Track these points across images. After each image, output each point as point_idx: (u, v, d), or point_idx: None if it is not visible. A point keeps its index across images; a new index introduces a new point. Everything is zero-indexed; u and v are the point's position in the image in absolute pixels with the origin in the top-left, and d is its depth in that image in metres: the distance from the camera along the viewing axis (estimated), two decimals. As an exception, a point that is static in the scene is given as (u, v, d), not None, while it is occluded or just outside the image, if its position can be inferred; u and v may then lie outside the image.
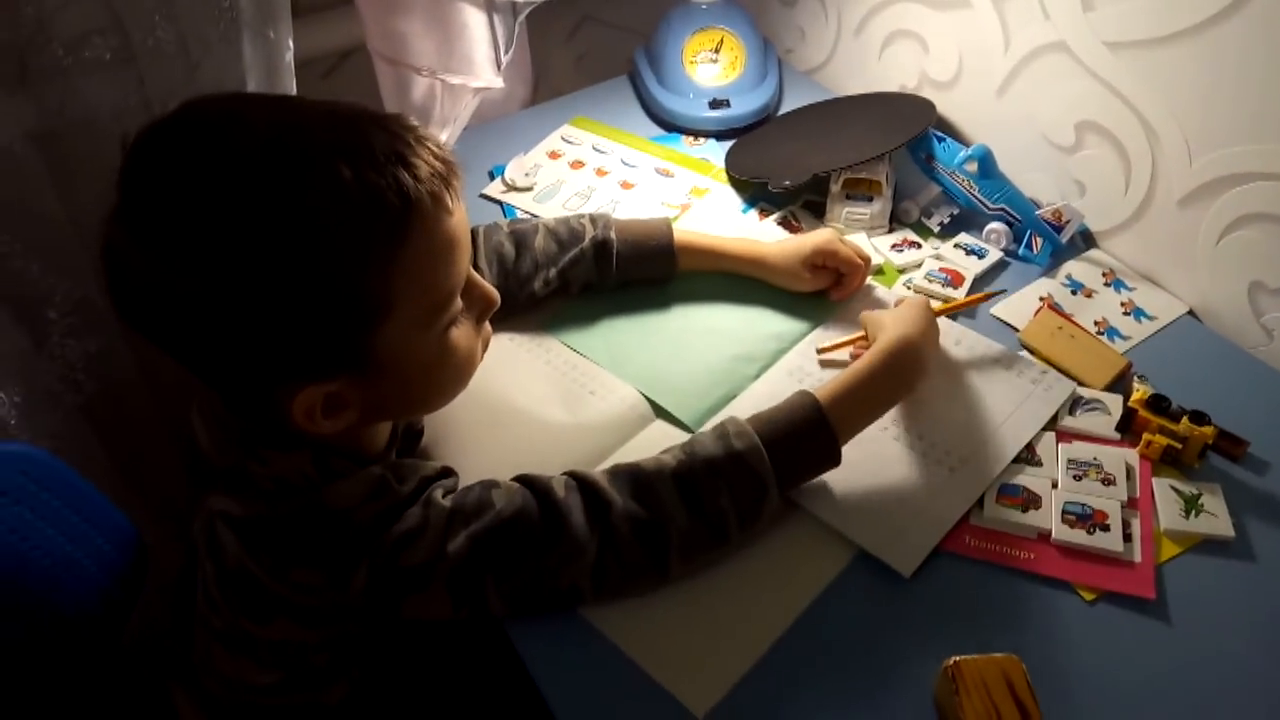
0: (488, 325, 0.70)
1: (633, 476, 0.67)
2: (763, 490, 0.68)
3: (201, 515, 0.65)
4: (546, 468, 0.78)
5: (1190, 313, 0.95)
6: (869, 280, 0.96)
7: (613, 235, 0.92)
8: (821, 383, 0.86)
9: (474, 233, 0.91)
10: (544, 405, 0.85)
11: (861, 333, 0.86)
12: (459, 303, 0.63)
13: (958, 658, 0.62)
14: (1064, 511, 0.75)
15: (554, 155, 1.16)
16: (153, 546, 1.12)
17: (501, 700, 0.79)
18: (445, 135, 1.12)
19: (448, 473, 0.68)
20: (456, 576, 0.62)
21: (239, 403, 0.63)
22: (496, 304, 0.68)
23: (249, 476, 0.61)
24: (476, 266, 0.87)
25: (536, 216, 0.96)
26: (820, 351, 0.89)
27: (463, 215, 0.61)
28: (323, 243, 0.53)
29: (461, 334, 0.65)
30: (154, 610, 0.97)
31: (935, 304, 0.88)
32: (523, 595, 0.65)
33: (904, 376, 0.77)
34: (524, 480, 0.67)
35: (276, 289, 0.53)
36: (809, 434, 0.71)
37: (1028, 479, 0.78)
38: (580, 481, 0.67)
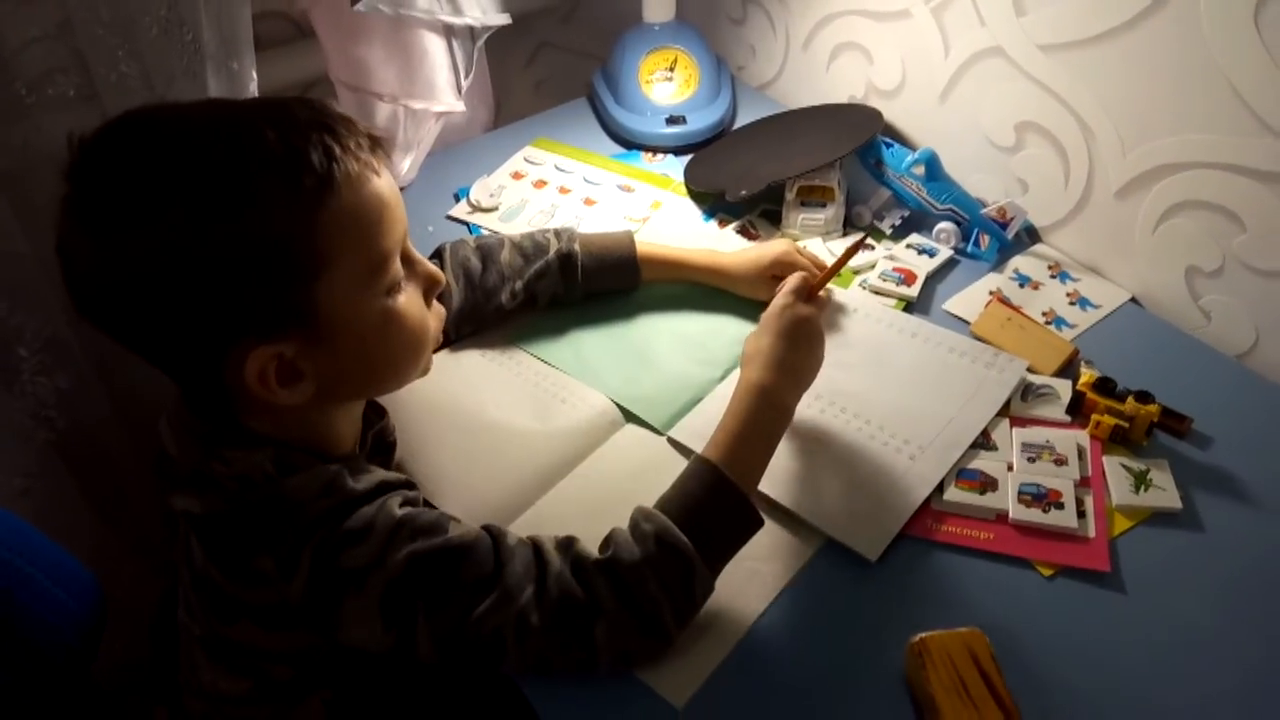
0: (439, 305, 0.73)
1: (572, 554, 0.66)
2: (689, 570, 0.65)
3: (177, 522, 0.67)
4: (521, 474, 0.81)
5: (1133, 300, 0.99)
6: (828, 286, 0.99)
7: (577, 248, 0.94)
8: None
9: (440, 249, 0.93)
10: (516, 415, 0.87)
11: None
12: (398, 268, 0.65)
13: (924, 634, 0.65)
14: (1020, 492, 0.78)
15: (517, 176, 1.19)
16: (128, 582, 1.12)
17: (481, 692, 0.80)
18: (409, 159, 1.14)
19: (410, 485, 0.69)
20: (392, 592, 0.62)
21: (196, 383, 0.65)
22: (441, 282, 0.71)
23: (212, 476, 0.63)
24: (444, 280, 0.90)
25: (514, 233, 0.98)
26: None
27: (392, 183, 0.63)
28: (251, 198, 0.56)
29: (408, 302, 0.66)
30: (132, 644, 0.98)
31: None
32: (450, 634, 0.63)
33: (782, 409, 0.74)
34: (485, 527, 0.68)
35: (213, 246, 0.56)
36: (717, 498, 0.68)
37: (984, 463, 0.81)
38: (532, 540, 0.67)
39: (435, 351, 0.89)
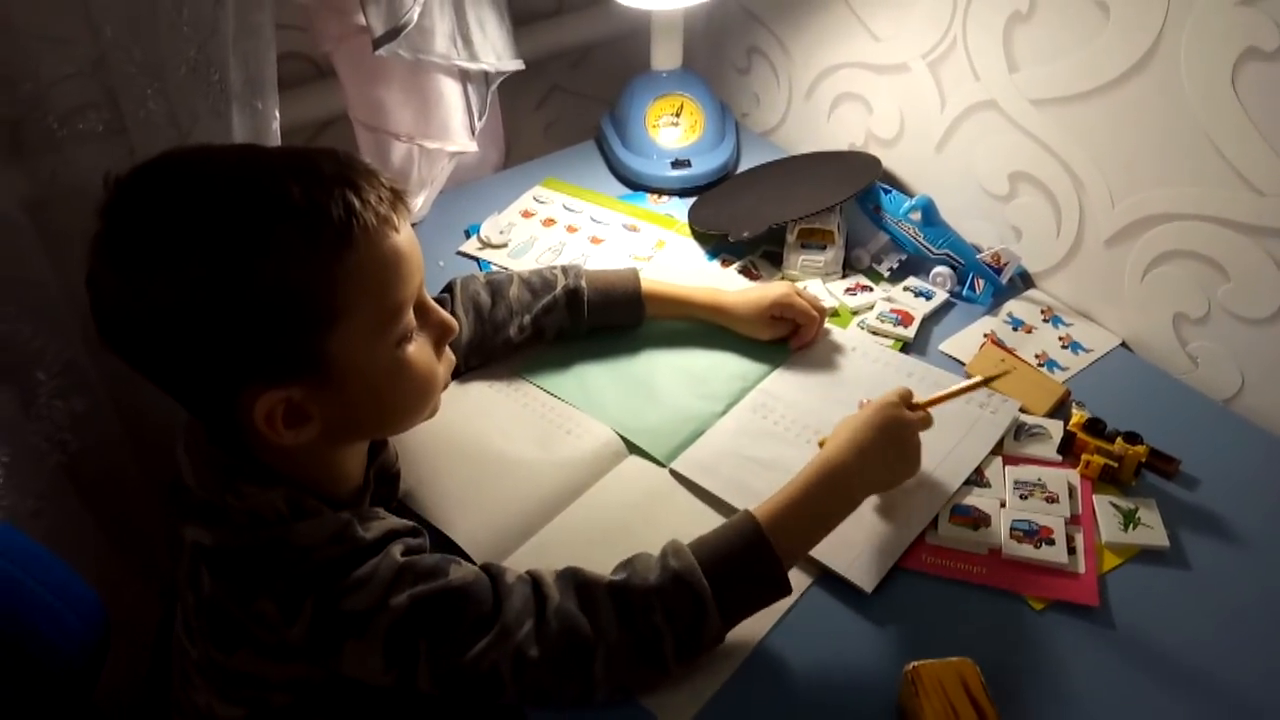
0: (449, 352, 0.74)
1: (577, 581, 0.68)
2: (701, 613, 0.66)
3: (183, 548, 0.69)
4: (526, 503, 0.83)
5: (1123, 344, 1.02)
6: (827, 325, 1.02)
7: (583, 284, 0.97)
8: (783, 420, 0.92)
9: (451, 284, 0.96)
10: (522, 445, 0.89)
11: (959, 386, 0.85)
12: (411, 319, 0.67)
13: (917, 663, 0.67)
14: (1012, 529, 0.81)
15: (527, 214, 1.22)
16: (131, 604, 1.13)
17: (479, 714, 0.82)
18: (423, 197, 1.18)
19: (416, 532, 0.71)
20: (394, 634, 0.63)
21: (210, 418, 0.67)
22: (454, 331, 0.72)
23: (225, 509, 0.65)
24: (454, 313, 0.92)
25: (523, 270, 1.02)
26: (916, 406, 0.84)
27: (411, 236, 0.66)
28: (271, 249, 0.58)
29: (418, 352, 0.68)
30: (133, 666, 0.99)
31: (921, 396, 0.84)
32: (450, 671, 0.64)
33: (848, 495, 0.75)
34: (484, 566, 0.69)
35: (231, 294, 0.58)
36: (751, 556, 0.69)
37: (978, 500, 0.84)
38: (531, 575, 0.69)
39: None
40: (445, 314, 0.72)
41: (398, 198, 0.65)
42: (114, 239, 0.60)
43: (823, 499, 0.73)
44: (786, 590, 0.70)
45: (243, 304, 0.59)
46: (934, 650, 0.70)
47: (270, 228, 0.59)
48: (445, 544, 0.79)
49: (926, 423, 0.82)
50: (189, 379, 0.63)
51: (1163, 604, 0.76)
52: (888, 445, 0.77)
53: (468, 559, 0.77)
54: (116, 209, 0.60)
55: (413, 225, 1.20)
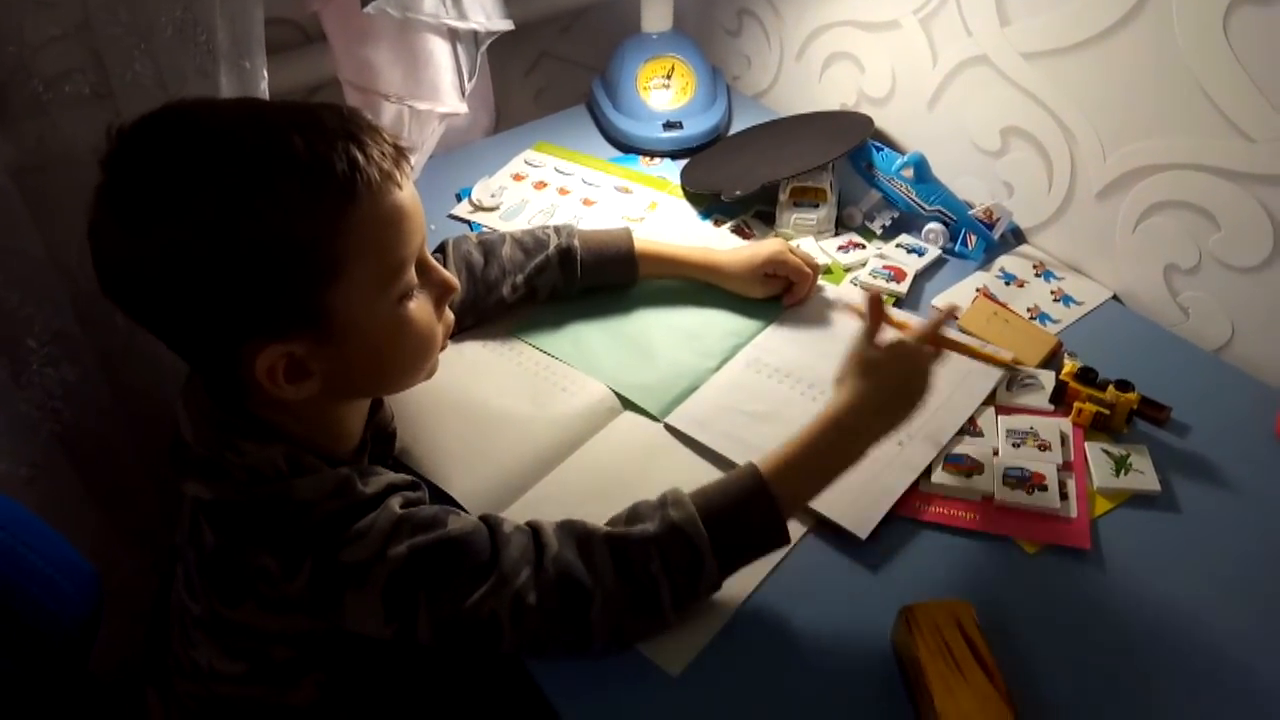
0: (449, 312, 0.74)
1: (576, 531, 0.68)
2: (698, 562, 0.67)
3: (185, 505, 0.69)
4: (521, 459, 0.84)
5: (1114, 297, 1.03)
6: (820, 281, 1.03)
7: (576, 244, 0.97)
8: (776, 374, 0.92)
9: (443, 244, 0.96)
10: (517, 403, 0.89)
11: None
12: (412, 276, 0.67)
13: (911, 604, 0.67)
14: (1005, 476, 0.81)
15: (518, 177, 1.22)
16: (125, 573, 1.14)
17: (481, 675, 0.82)
18: (413, 160, 1.17)
19: (415, 486, 0.71)
20: (394, 584, 0.64)
21: (211, 372, 0.67)
22: (455, 289, 0.72)
23: (224, 465, 0.65)
24: None
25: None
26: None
27: (413, 194, 0.65)
28: (275, 202, 0.58)
29: (418, 309, 0.67)
30: (128, 634, 0.99)
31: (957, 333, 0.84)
32: (450, 621, 0.65)
33: (853, 447, 0.72)
34: (482, 517, 0.69)
35: (234, 245, 0.58)
36: (750, 505, 0.69)
37: (971, 448, 0.84)
38: (531, 525, 0.70)
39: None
40: (446, 273, 0.71)
41: (400, 154, 0.64)
42: (116, 189, 0.59)
43: (827, 451, 0.72)
44: (785, 540, 0.70)
45: (244, 256, 0.58)
46: (929, 594, 0.70)
47: (273, 179, 0.58)
48: (443, 501, 0.79)
49: (942, 356, 0.78)
50: (190, 332, 0.63)
51: (1153, 547, 0.77)
52: (897, 390, 0.74)
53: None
54: (119, 159, 0.60)
55: (404, 189, 1.21)
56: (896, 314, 0.98)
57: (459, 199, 1.19)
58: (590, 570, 0.66)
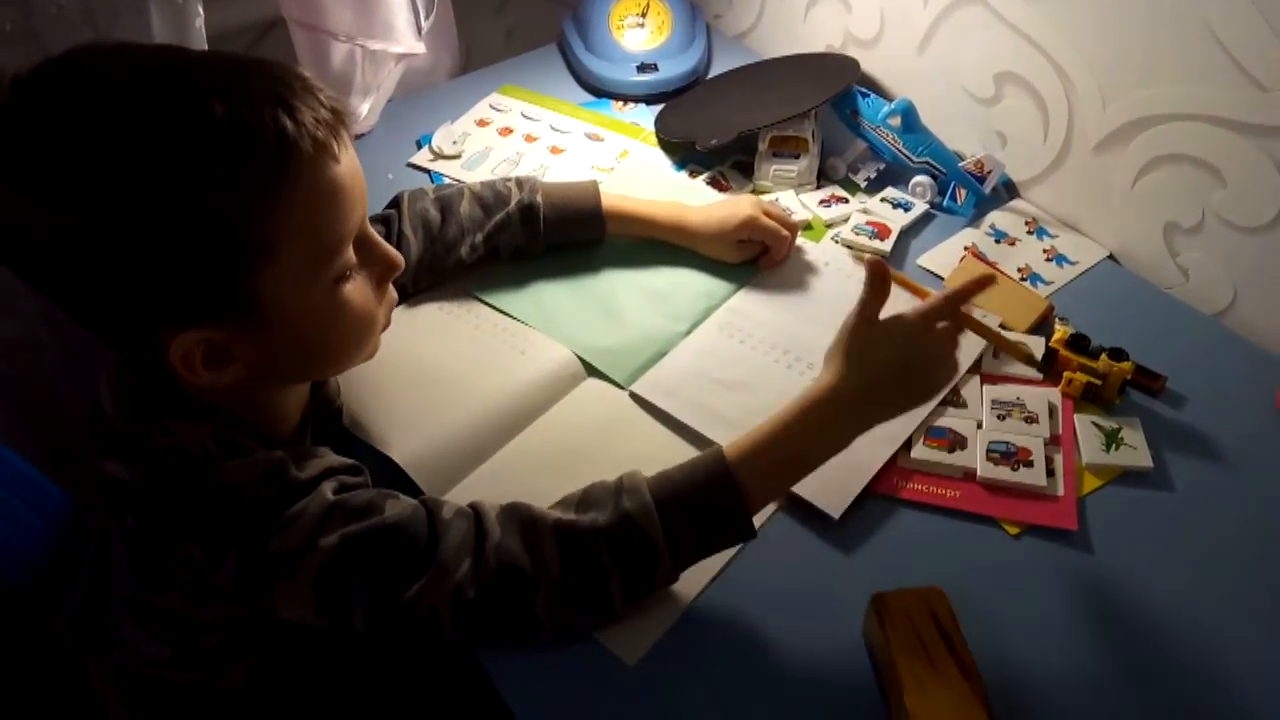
0: (392, 290, 0.67)
1: (521, 517, 0.63)
2: (651, 556, 0.62)
3: (105, 484, 0.64)
4: (478, 427, 0.79)
5: (1110, 257, 0.97)
6: (800, 241, 0.97)
7: (539, 199, 0.91)
8: (751, 339, 0.87)
9: (398, 199, 0.90)
10: (474, 368, 0.84)
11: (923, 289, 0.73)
12: (349, 256, 0.60)
13: (883, 592, 0.63)
14: (989, 450, 0.77)
15: (482, 123, 1.15)
16: (76, 539, 1.09)
17: (428, 668, 0.79)
18: (368, 104, 1.10)
19: (355, 470, 0.66)
20: (325, 575, 0.59)
21: (124, 352, 0.61)
22: (399, 267, 0.66)
23: (149, 445, 0.59)
24: (401, 232, 0.86)
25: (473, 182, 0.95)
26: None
27: (353, 165, 0.59)
28: (190, 177, 0.51)
29: (355, 291, 0.61)
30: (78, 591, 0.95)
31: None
32: (385, 614, 0.60)
33: (835, 433, 0.65)
34: (422, 500, 0.64)
35: (141, 224, 0.52)
36: (713, 498, 0.63)
37: (953, 421, 0.79)
38: (474, 509, 0.65)
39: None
40: (390, 249, 0.65)
41: (339, 119, 0.57)
42: (8, 149, 0.52)
43: (804, 438, 0.64)
44: (750, 534, 0.65)
45: (154, 236, 0.52)
46: (904, 579, 0.66)
47: (188, 150, 0.51)
48: (393, 474, 0.74)
49: (960, 331, 0.67)
50: (96, 312, 0.57)
51: (1144, 527, 0.73)
52: (895, 375, 0.65)
53: (415, 488, 0.73)
54: (12, 114, 0.52)
55: (359, 136, 1.14)
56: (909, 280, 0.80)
57: (419, 146, 1.12)
58: (535, 561, 0.62)
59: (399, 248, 0.85)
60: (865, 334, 0.66)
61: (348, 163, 0.58)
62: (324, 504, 0.61)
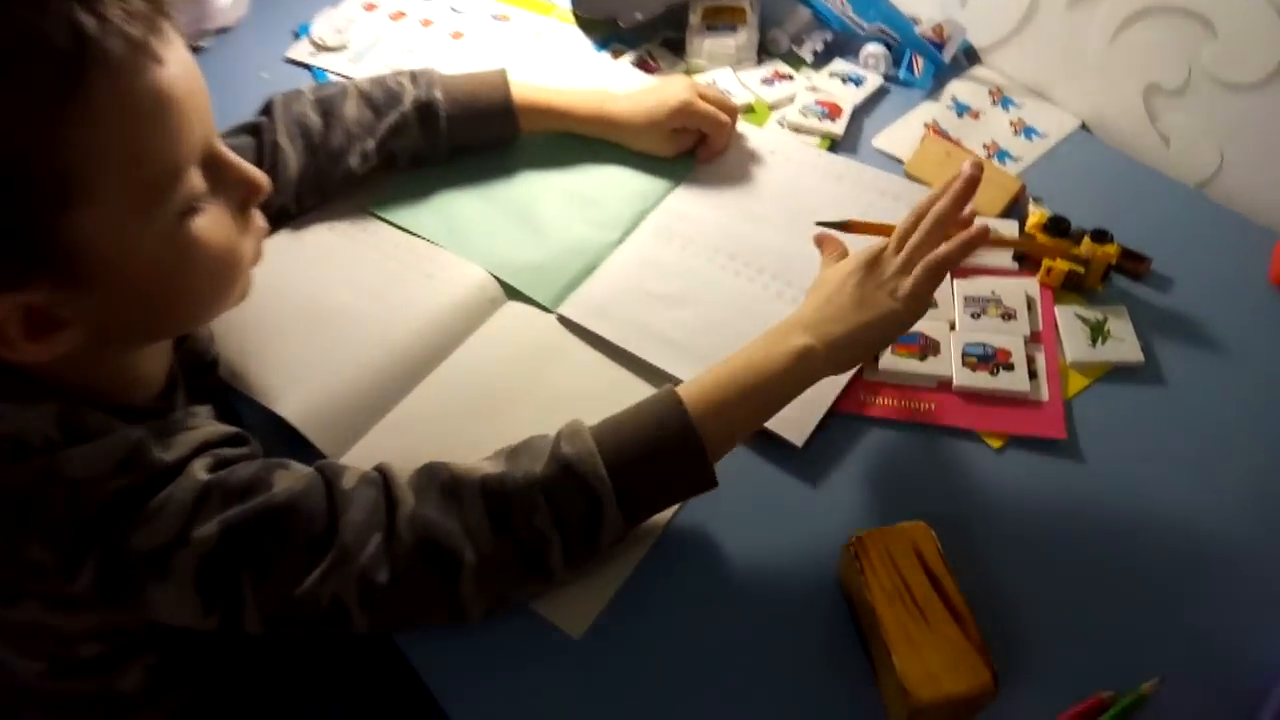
0: (258, 217, 0.55)
1: (440, 477, 0.53)
2: (596, 512, 0.53)
3: None
4: (381, 369, 0.68)
5: (1083, 126, 0.88)
6: (741, 126, 0.85)
7: (438, 95, 0.78)
8: (693, 243, 0.77)
9: (270, 103, 0.76)
10: (373, 300, 0.72)
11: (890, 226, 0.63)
12: (194, 183, 0.48)
13: (859, 532, 0.55)
14: (964, 355, 0.68)
15: (370, 7, 0.99)
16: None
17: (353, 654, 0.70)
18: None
19: (237, 439, 0.55)
20: (207, 570, 0.49)
21: None
22: (264, 189, 0.53)
23: None
24: (276, 144, 0.73)
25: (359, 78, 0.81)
26: (825, 224, 0.67)
27: (186, 68, 0.46)
28: None
29: (209, 224, 0.50)
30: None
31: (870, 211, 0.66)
32: (282, 609, 0.51)
33: (805, 368, 0.57)
34: (319, 467, 0.54)
35: None
36: (669, 446, 0.54)
37: (923, 324, 0.69)
38: (381, 473, 0.54)
39: (274, 231, 0.74)
40: (249, 169, 0.52)
41: (158, 10, 0.44)
42: None
43: (773, 375, 0.56)
44: (710, 484, 0.56)
45: None
46: (880, 510, 0.59)
47: None
48: (284, 433, 0.63)
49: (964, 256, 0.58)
50: None
51: (1137, 427, 0.66)
52: (854, 307, 0.58)
53: (311, 450, 0.63)
54: None
55: (224, 30, 0.98)
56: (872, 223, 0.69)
57: (297, 37, 0.96)
58: (459, 530, 0.52)
59: (274, 162, 0.73)
60: (829, 269, 0.61)
61: (177, 65, 0.45)
62: (196, 487, 0.50)
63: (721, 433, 0.56)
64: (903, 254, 0.59)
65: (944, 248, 0.58)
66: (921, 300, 0.58)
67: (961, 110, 0.89)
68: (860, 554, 0.54)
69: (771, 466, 0.63)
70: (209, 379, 0.66)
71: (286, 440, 0.63)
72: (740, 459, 0.63)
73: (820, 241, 0.66)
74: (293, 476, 0.53)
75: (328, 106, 0.77)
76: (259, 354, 0.68)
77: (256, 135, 0.74)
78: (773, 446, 0.64)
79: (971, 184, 0.59)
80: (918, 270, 0.57)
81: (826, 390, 0.66)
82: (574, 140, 0.83)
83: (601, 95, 0.83)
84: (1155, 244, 0.75)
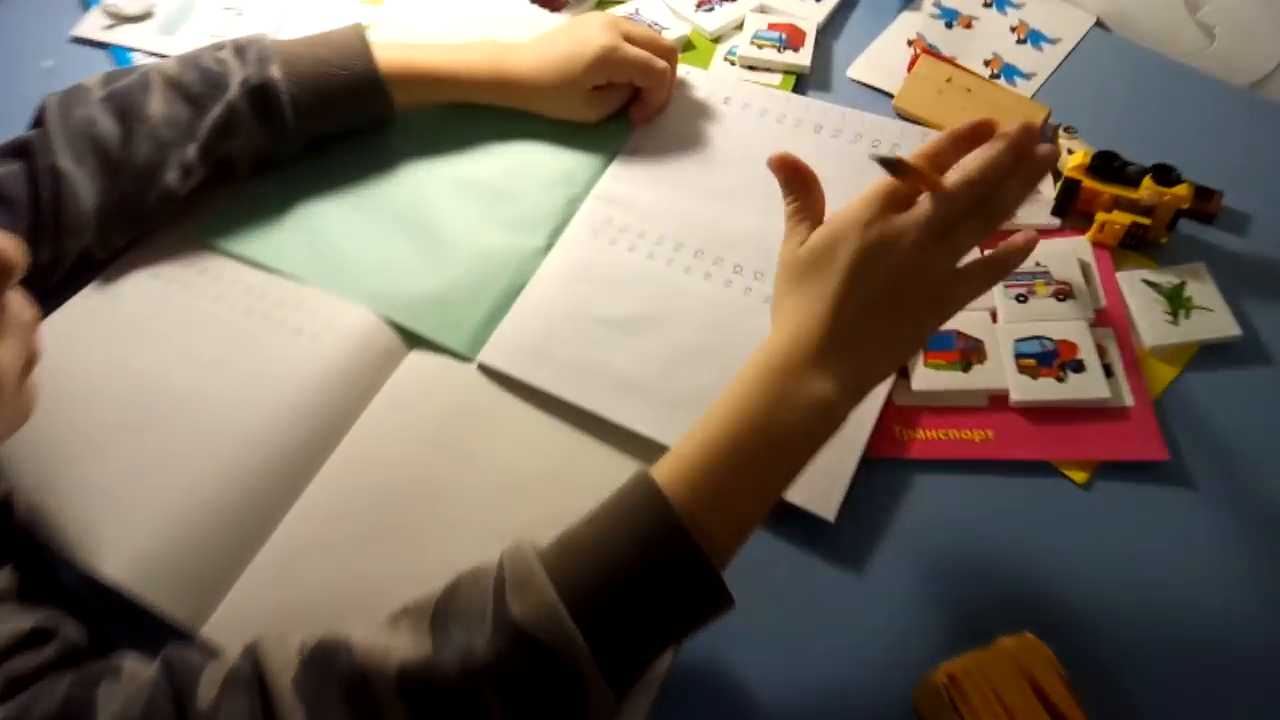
0: (15, 302, 0.36)
1: (339, 672, 0.36)
2: (574, 693, 0.36)
3: None
4: (242, 490, 0.49)
5: (1099, 24, 0.71)
6: (682, 71, 0.66)
7: (274, 72, 0.58)
8: (642, 239, 0.59)
9: (41, 112, 0.55)
10: (222, 374, 0.52)
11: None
12: None
13: (949, 667, 0.39)
14: (1018, 356, 0.52)
15: (176, -42, 0.76)
16: None
17: None
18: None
19: (36, 637, 0.37)
20: None
21: None
22: (12, 269, 0.34)
23: None
24: (57, 168, 0.53)
25: (165, 58, 0.60)
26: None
27: None
28: None
29: None
30: None
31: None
32: None
33: (825, 413, 0.39)
34: (167, 664, 0.37)
35: None
36: (652, 552, 0.37)
37: (959, 319, 0.53)
38: (256, 667, 0.36)
39: (71, 289, 0.54)
40: None
41: None
42: None
43: (788, 432, 0.38)
44: (724, 602, 0.38)
45: None
46: (951, 601, 0.43)
47: None
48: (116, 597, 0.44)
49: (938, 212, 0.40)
50: None
51: (1250, 423, 0.51)
52: (889, 300, 0.39)
53: (159, 626, 0.44)
54: None
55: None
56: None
57: (87, 7, 0.74)
58: None
59: (56, 195, 0.54)
60: (811, 251, 0.41)
61: None
62: None
63: (726, 527, 0.39)
64: (960, 193, 0.39)
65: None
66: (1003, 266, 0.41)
67: (950, 18, 0.71)
68: (956, 697, 0.38)
69: (797, 553, 0.47)
70: (2, 525, 0.46)
71: (129, 603, 0.44)
72: (752, 550, 0.47)
73: (788, 185, 0.44)
74: (124, 687, 0.36)
75: (124, 105, 0.56)
76: (64, 484, 0.48)
77: (26, 159, 0.53)
78: (792, 524, 0.47)
79: (1031, 135, 0.41)
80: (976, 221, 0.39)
81: (851, 430, 0.49)
82: (468, 112, 0.63)
83: (495, 47, 0.63)
84: (1213, 171, 0.60)
